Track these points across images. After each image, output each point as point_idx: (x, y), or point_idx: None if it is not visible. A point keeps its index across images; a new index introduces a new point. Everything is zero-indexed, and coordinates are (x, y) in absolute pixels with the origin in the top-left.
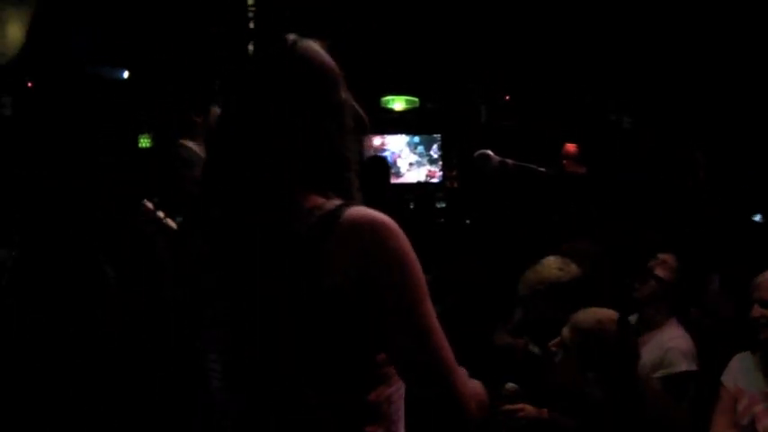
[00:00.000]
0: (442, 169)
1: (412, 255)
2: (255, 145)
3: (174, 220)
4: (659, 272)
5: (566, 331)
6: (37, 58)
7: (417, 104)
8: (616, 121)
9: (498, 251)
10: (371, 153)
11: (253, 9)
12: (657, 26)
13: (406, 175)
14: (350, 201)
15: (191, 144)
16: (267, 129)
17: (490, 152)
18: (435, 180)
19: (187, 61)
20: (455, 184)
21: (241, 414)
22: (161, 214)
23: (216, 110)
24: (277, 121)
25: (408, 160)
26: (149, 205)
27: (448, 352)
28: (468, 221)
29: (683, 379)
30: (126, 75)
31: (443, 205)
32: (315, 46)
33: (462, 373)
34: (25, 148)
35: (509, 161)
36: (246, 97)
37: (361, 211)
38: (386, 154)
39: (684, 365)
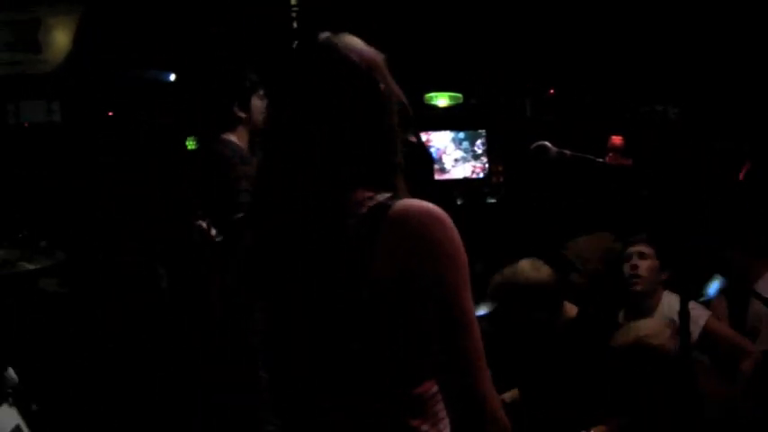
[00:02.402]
0: (488, 164)
1: (459, 246)
2: (301, 144)
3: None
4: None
5: (610, 357)
6: (83, 64)
7: (461, 100)
8: (662, 112)
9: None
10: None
11: (296, 8)
12: (704, 16)
13: (451, 172)
14: (398, 194)
15: (233, 138)
16: (311, 128)
17: (548, 143)
18: (479, 175)
19: (232, 61)
20: (501, 179)
21: (285, 406)
22: (213, 232)
23: (256, 101)
24: (321, 120)
25: (453, 156)
26: (203, 225)
27: (481, 350)
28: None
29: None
30: (173, 77)
31: (494, 201)
32: (351, 40)
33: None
34: (75, 153)
35: (566, 152)
36: (289, 99)
37: (411, 202)
38: (431, 150)
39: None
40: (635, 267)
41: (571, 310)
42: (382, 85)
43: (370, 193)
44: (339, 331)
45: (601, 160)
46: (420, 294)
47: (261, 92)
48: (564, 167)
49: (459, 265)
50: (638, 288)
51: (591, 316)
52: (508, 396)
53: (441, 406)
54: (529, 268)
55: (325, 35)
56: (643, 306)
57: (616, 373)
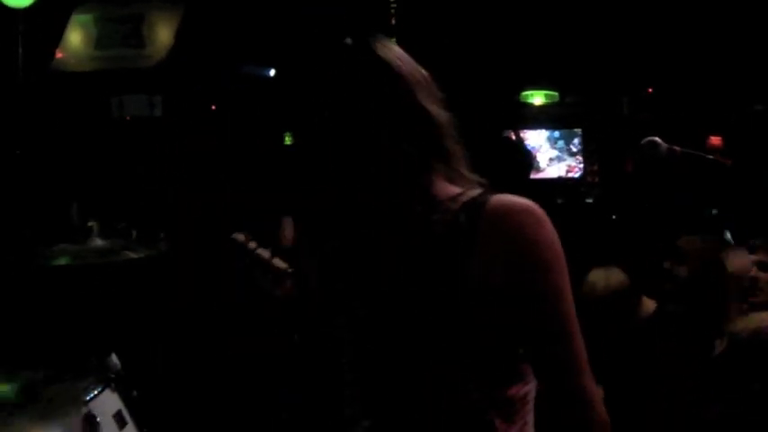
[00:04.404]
0: (583, 164)
1: (558, 242)
2: (368, 142)
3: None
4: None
5: (721, 344)
6: (186, 59)
7: (557, 99)
8: (763, 111)
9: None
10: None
11: (394, 5)
12: None
13: (546, 171)
14: (490, 187)
15: None
16: (370, 126)
17: (658, 139)
18: (574, 175)
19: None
20: (596, 179)
21: (375, 406)
22: (253, 245)
23: None
24: (375, 116)
25: (548, 155)
26: (240, 237)
27: (583, 351)
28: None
29: None
30: (272, 73)
31: (590, 201)
32: (389, 44)
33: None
34: (173, 148)
35: (677, 148)
36: (336, 97)
37: (508, 198)
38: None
39: None
40: (755, 280)
41: (648, 304)
42: (416, 74)
43: (458, 189)
44: (433, 329)
45: (711, 158)
46: (519, 294)
47: None
48: (674, 164)
49: (559, 264)
50: (758, 300)
51: (669, 314)
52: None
53: (528, 408)
54: (601, 279)
55: (360, 36)
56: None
57: (729, 360)
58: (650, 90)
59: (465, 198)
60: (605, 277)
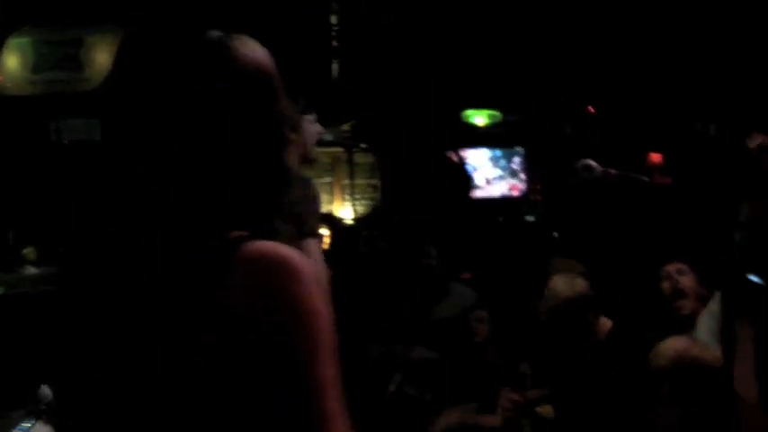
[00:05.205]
0: (526, 183)
1: (316, 303)
2: (161, 168)
3: None
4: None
5: (650, 374)
6: (123, 83)
7: (499, 119)
8: (702, 129)
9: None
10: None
11: (336, 28)
12: (746, 34)
13: (488, 189)
14: (255, 232)
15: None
16: (184, 148)
17: (593, 162)
18: (516, 193)
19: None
20: (539, 198)
21: None
22: None
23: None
24: (196, 141)
25: (489, 175)
26: None
27: (337, 418)
28: (555, 234)
29: None
30: None
31: (532, 219)
32: (250, 45)
33: None
34: (114, 171)
35: (612, 171)
36: (162, 106)
37: (265, 245)
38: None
39: None
40: (679, 285)
41: (605, 324)
42: (280, 102)
43: (225, 231)
44: (166, 398)
45: (646, 179)
46: (262, 358)
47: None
48: (608, 186)
49: (312, 325)
50: (686, 310)
51: (627, 332)
52: (543, 411)
53: None
54: (562, 285)
55: (216, 34)
56: (684, 327)
57: (662, 396)
58: (591, 109)
59: (217, 242)
60: (569, 284)
